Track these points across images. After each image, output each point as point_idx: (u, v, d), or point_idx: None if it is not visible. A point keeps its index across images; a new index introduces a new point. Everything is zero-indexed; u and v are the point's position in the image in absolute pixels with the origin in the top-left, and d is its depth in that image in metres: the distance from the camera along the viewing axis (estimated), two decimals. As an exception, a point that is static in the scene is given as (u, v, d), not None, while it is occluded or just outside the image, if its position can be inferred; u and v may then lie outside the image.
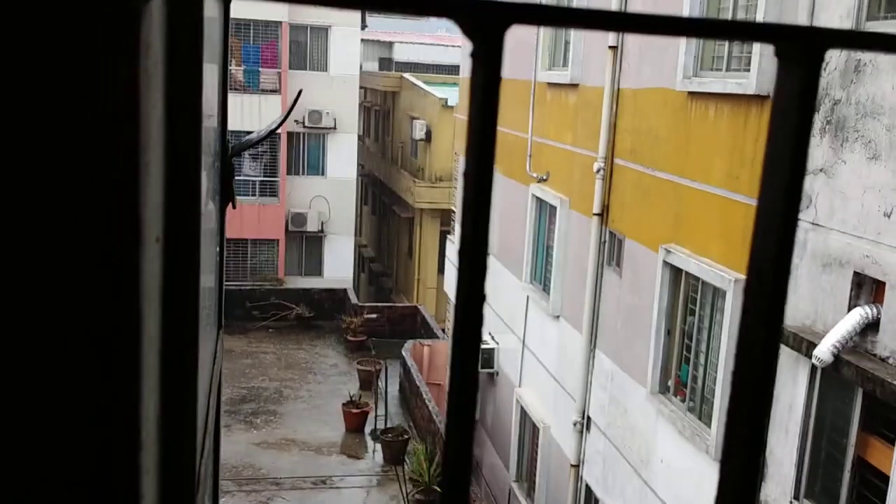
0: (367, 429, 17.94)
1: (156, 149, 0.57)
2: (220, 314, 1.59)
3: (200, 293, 0.92)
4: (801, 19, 6.81)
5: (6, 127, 0.44)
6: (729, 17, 8.14)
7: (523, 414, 13.34)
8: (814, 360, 6.24)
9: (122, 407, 0.48)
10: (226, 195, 1.52)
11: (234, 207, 1.65)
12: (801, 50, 0.52)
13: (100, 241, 0.44)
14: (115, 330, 0.46)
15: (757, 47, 7.42)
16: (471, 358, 0.51)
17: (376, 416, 17.80)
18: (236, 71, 25.67)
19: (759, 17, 7.36)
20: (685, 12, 8.56)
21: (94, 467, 0.47)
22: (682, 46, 8.62)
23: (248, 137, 2.07)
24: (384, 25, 44.15)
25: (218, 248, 1.53)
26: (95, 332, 0.46)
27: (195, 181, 0.71)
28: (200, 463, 1.01)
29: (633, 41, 9.98)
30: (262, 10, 25.05)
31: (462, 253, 0.49)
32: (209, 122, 1.35)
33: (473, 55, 0.51)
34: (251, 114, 24.94)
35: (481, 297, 0.51)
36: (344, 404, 18.12)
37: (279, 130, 25.53)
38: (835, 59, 6.51)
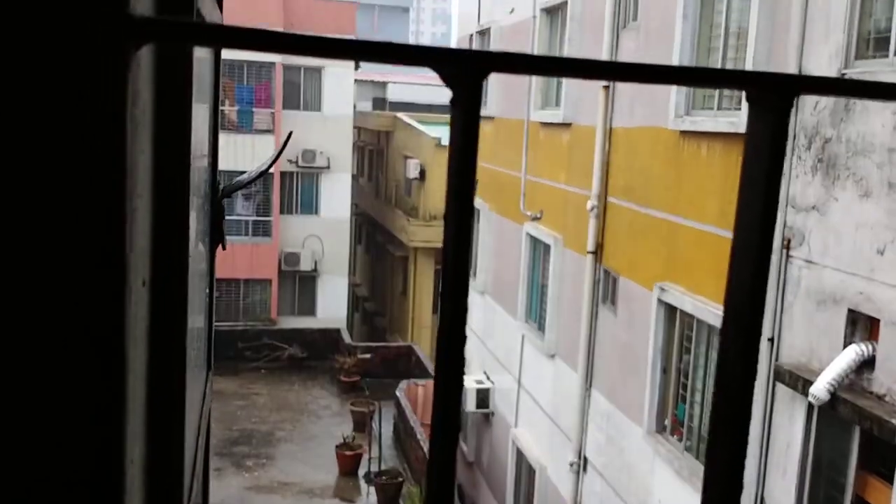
0: (361, 471, 17.73)
1: (143, 193, 0.57)
2: (210, 355, 1.59)
3: (189, 335, 0.93)
4: (791, 58, 6.91)
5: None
6: (719, 55, 8.26)
7: (519, 455, 13.22)
8: (810, 398, 6.22)
9: (104, 452, 0.48)
10: (216, 237, 1.52)
11: (223, 248, 1.65)
12: (771, 96, 0.53)
13: (84, 287, 0.45)
14: (98, 373, 0.46)
15: (746, 87, 7.51)
16: (453, 399, 0.52)
17: (370, 459, 17.61)
18: (230, 111, 25.84)
19: (749, 56, 7.47)
20: (675, 52, 8.69)
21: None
22: (674, 86, 8.72)
23: (238, 179, 2.09)
24: (378, 66, 44.60)
25: (207, 290, 1.53)
26: (79, 373, 0.46)
27: (183, 225, 0.72)
28: (188, 506, 1.00)
29: (624, 81, 10.10)
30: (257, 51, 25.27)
31: (443, 294, 0.50)
32: (199, 163, 1.37)
33: (452, 102, 0.52)
34: (244, 154, 25.06)
35: (462, 339, 0.52)
36: (337, 446, 17.93)
37: (272, 170, 25.63)
38: (824, 97, 6.60)
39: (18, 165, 0.45)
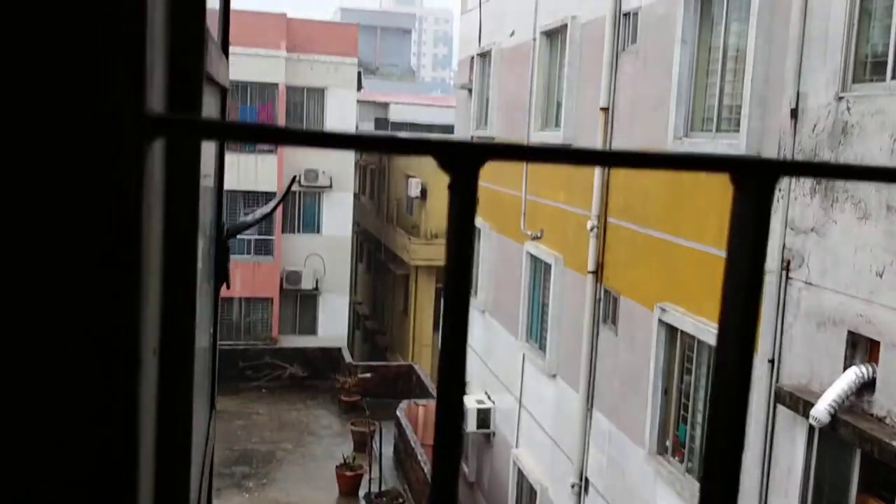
0: (362, 492, 17.65)
1: (154, 269, 0.60)
2: (213, 394, 1.61)
3: (196, 376, 0.95)
4: (788, 81, 6.96)
5: (17, 254, 0.48)
6: (717, 78, 8.31)
7: (520, 476, 13.18)
8: (811, 421, 6.22)
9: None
10: (220, 276, 1.55)
11: (227, 288, 1.68)
12: (754, 179, 0.56)
13: (99, 359, 0.47)
14: (112, 450, 0.48)
15: (746, 108, 7.57)
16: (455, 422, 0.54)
17: (370, 479, 17.54)
18: (233, 132, 25.90)
19: (747, 79, 7.51)
20: (674, 75, 8.74)
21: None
22: (673, 107, 8.78)
23: (242, 220, 2.12)
24: (380, 86, 44.86)
25: (212, 330, 1.56)
26: (91, 451, 0.48)
27: (191, 292, 0.75)
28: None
29: (624, 102, 10.16)
30: (260, 73, 25.45)
31: (439, 382, 0.52)
32: (206, 208, 1.40)
33: (450, 187, 0.55)
34: (247, 174, 25.15)
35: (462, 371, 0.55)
36: (338, 467, 17.86)
37: (275, 190, 25.70)
38: (822, 120, 6.64)
39: (42, 249, 0.47)
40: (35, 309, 0.47)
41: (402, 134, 0.52)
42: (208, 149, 1.43)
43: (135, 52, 0.46)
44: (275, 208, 2.47)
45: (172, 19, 0.67)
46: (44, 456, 0.49)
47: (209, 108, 1.33)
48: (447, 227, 0.57)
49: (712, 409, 0.62)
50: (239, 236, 26.44)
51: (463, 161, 0.52)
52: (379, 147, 0.52)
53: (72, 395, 0.49)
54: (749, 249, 0.58)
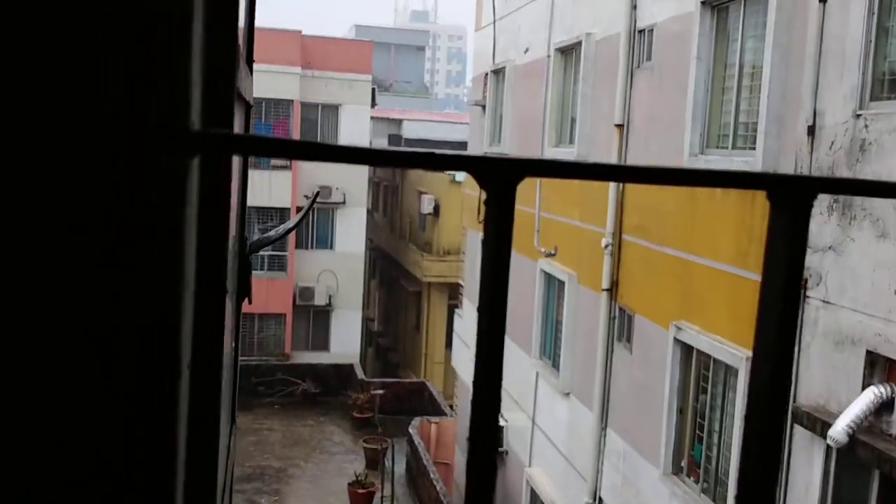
0: (374, 508, 17.58)
1: (190, 284, 0.60)
2: (234, 409, 1.61)
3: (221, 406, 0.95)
4: (805, 99, 6.94)
5: (63, 268, 0.48)
6: (733, 95, 8.30)
7: (533, 495, 13.09)
8: (829, 441, 6.15)
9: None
10: (243, 292, 1.56)
11: (249, 303, 1.68)
12: (791, 196, 0.56)
13: (144, 371, 0.48)
14: (152, 462, 0.49)
15: (762, 125, 7.55)
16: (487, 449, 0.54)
17: (382, 497, 17.47)
18: (248, 148, 26.10)
19: (763, 96, 7.50)
20: (689, 92, 8.74)
21: None
22: (689, 124, 8.77)
23: (266, 235, 2.13)
24: (394, 103, 45.07)
25: (233, 344, 1.56)
26: (134, 462, 0.48)
27: (220, 310, 0.75)
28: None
29: (639, 118, 10.16)
30: (275, 89, 25.63)
31: (474, 405, 0.52)
32: (230, 225, 1.40)
33: (487, 202, 0.55)
34: (261, 190, 25.26)
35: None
36: (350, 484, 17.80)
37: (289, 205, 25.82)
38: (839, 137, 6.62)
39: (88, 264, 0.48)
40: (83, 324, 0.47)
41: (440, 151, 0.53)
42: (233, 165, 1.44)
43: (180, 68, 0.47)
44: (299, 223, 2.49)
45: (208, 35, 0.67)
46: (89, 465, 0.50)
47: (236, 123, 1.34)
48: (483, 243, 0.57)
49: (746, 431, 0.61)
50: (253, 252, 26.54)
51: (500, 177, 0.52)
52: (417, 163, 0.52)
53: (117, 406, 0.50)
54: (785, 267, 0.58)
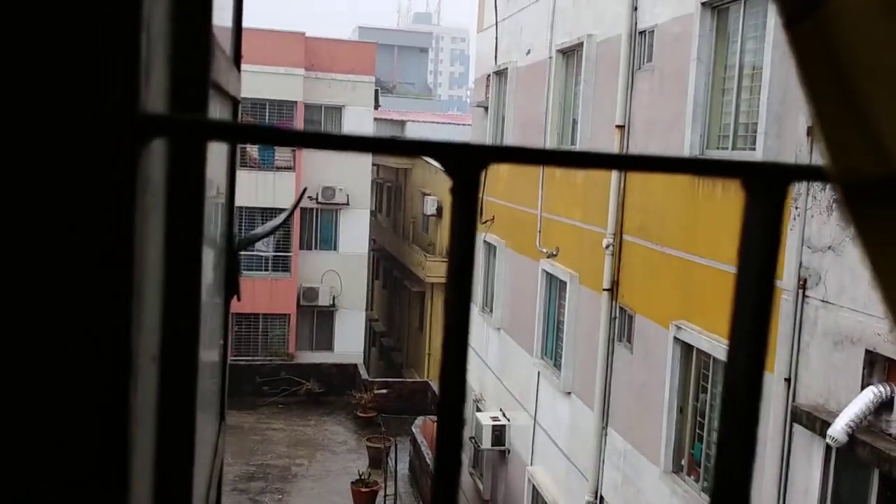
0: (377, 508, 17.58)
1: (153, 274, 0.59)
2: (223, 406, 1.60)
3: (200, 389, 0.94)
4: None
5: (9, 253, 0.47)
6: (733, 96, 8.28)
7: (535, 493, 13.08)
8: (828, 440, 6.13)
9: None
10: (231, 289, 1.55)
11: (238, 300, 1.68)
12: (766, 184, 0.55)
13: (88, 366, 0.47)
14: (103, 456, 0.47)
15: (762, 125, 7.54)
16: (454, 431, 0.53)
17: (385, 496, 17.47)
18: (251, 149, 26.11)
19: (763, 97, 7.49)
20: (690, 93, 8.72)
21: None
22: (689, 124, 8.76)
23: (254, 232, 2.13)
24: (397, 105, 45.10)
25: (222, 342, 1.55)
26: (84, 452, 0.47)
27: (194, 302, 0.74)
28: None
29: (640, 119, 10.14)
30: (278, 91, 25.64)
31: (441, 388, 0.51)
32: (217, 220, 1.39)
33: (453, 190, 0.54)
34: (265, 191, 25.28)
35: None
36: (353, 483, 17.81)
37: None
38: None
39: (29, 250, 0.47)
40: (30, 309, 0.46)
41: (404, 137, 0.52)
42: (219, 160, 1.43)
43: (129, 51, 0.46)
44: (285, 220, 2.48)
45: (177, 25, 0.67)
46: (37, 457, 0.48)
47: (222, 117, 1.33)
48: (449, 233, 0.56)
49: (722, 426, 0.60)
50: (256, 252, 26.58)
51: (465, 164, 0.51)
52: (380, 148, 0.51)
53: (68, 396, 0.49)
54: (760, 257, 0.57)
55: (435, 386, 23.57)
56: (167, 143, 0.64)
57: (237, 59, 1.53)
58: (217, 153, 1.44)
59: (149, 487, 0.64)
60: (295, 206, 2.95)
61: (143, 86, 0.46)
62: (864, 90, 0.46)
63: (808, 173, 0.56)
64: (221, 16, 1.31)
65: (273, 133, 0.52)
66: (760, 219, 0.55)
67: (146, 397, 0.61)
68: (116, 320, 0.47)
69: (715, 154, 8.50)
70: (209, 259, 1.29)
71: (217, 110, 1.13)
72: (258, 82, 24.58)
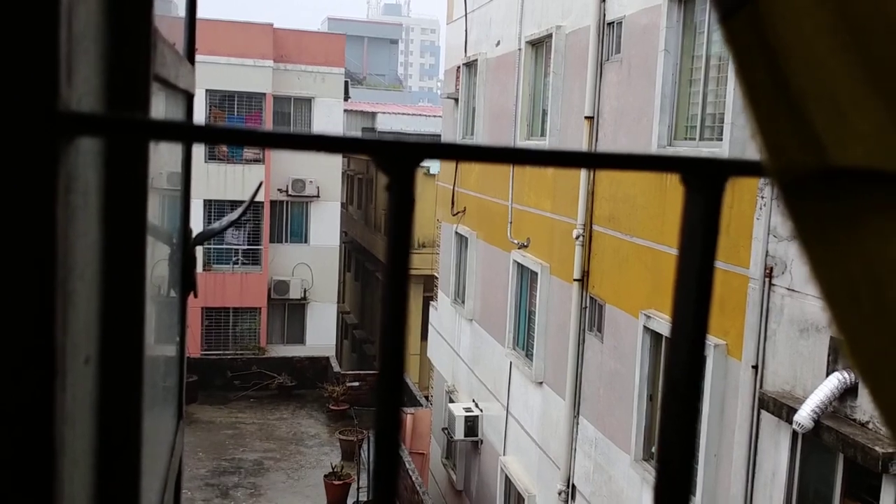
0: (350, 501, 17.58)
1: (86, 273, 0.58)
2: (181, 403, 1.58)
3: (152, 385, 0.93)
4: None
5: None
6: (700, 87, 8.34)
7: (508, 483, 13.15)
8: (795, 426, 6.23)
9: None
10: (187, 285, 1.53)
11: (195, 297, 1.66)
12: (704, 178, 0.55)
13: (10, 375, 0.45)
14: (27, 463, 0.46)
15: (729, 116, 7.60)
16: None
17: (359, 488, 17.47)
18: (220, 141, 25.87)
19: (730, 87, 7.55)
20: (657, 84, 8.78)
21: None
22: (657, 115, 8.81)
23: (210, 227, 2.10)
24: (367, 96, 44.89)
25: (178, 338, 1.53)
26: (4, 461, 0.46)
27: (137, 302, 0.72)
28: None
29: (608, 110, 10.19)
30: (247, 83, 25.42)
31: (379, 380, 0.50)
32: (171, 210, 1.37)
33: (388, 187, 0.53)
34: (234, 183, 25.09)
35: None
36: (326, 476, 17.79)
37: (262, 199, 25.65)
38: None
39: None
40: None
41: (335, 133, 0.51)
42: (173, 154, 1.41)
43: (46, 47, 0.44)
44: (242, 214, 2.46)
45: (111, 19, 0.65)
46: None
47: (172, 112, 1.31)
48: (387, 227, 0.55)
49: (663, 416, 0.60)
50: (226, 246, 26.37)
51: (398, 161, 0.50)
52: (312, 146, 0.50)
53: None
54: (699, 252, 0.57)
55: (407, 378, 23.60)
56: (103, 142, 0.63)
57: (191, 51, 1.51)
58: (171, 147, 1.42)
59: (88, 491, 0.62)
60: (251, 201, 2.90)
61: (63, 83, 0.45)
62: (797, 83, 0.46)
63: (746, 168, 0.56)
64: (171, 7, 1.28)
65: (198, 130, 0.51)
66: (700, 213, 0.55)
67: (81, 399, 0.60)
68: (37, 319, 0.45)
69: (684, 145, 8.57)
70: (163, 254, 1.27)
71: (165, 105, 1.11)
72: (226, 74, 24.35)
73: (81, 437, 0.60)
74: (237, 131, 0.50)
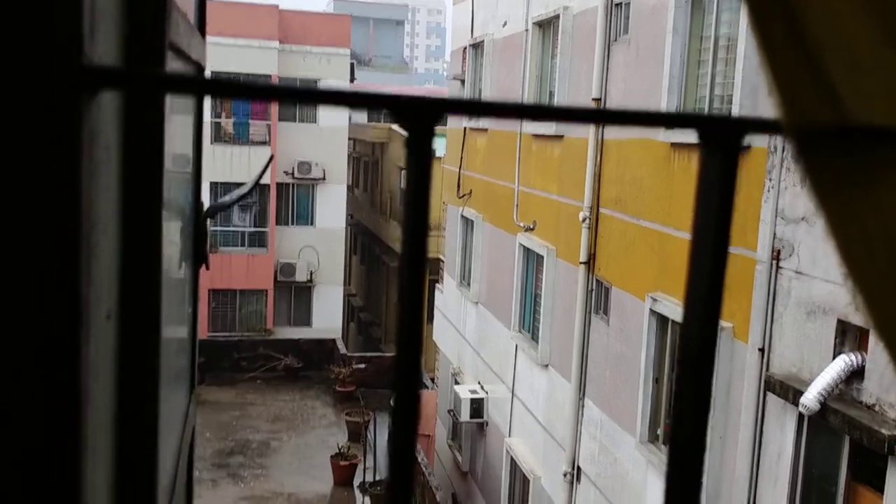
0: (356, 481, 17.69)
1: (108, 228, 0.59)
2: (193, 375, 1.60)
3: (165, 358, 0.94)
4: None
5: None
6: (709, 68, 8.30)
7: (513, 464, 13.21)
8: (801, 409, 6.24)
9: (62, 482, 0.49)
10: (199, 257, 1.54)
11: (206, 269, 1.67)
12: (721, 136, 0.55)
13: (36, 326, 0.46)
14: (54, 415, 0.47)
15: (737, 97, 7.56)
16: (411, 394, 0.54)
17: (365, 469, 17.58)
18: (226, 123, 25.88)
19: (738, 68, 7.50)
20: (665, 65, 8.73)
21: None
22: (665, 96, 8.77)
23: (221, 200, 2.12)
24: (373, 78, 44.76)
25: (191, 310, 1.54)
26: (33, 407, 0.47)
27: (155, 255, 0.73)
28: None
29: (616, 92, 10.14)
30: (252, 64, 25.36)
31: (398, 337, 0.51)
32: (182, 184, 1.38)
33: (407, 144, 0.54)
34: (240, 165, 25.08)
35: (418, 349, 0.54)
36: (332, 456, 17.90)
37: (268, 181, 25.66)
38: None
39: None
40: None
41: (352, 88, 0.51)
42: (184, 129, 1.41)
43: (72, 4, 0.45)
44: (253, 187, 2.46)
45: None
46: None
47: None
48: (406, 185, 0.56)
49: (678, 382, 0.61)
50: (233, 229, 26.40)
51: (418, 116, 0.51)
52: (331, 101, 0.51)
53: (13, 343, 0.48)
54: (716, 212, 0.57)
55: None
56: (122, 99, 0.63)
57: (201, 26, 1.51)
58: (182, 123, 1.43)
59: (109, 440, 0.63)
60: (262, 174, 2.92)
61: (87, 37, 0.46)
62: (813, 34, 0.46)
63: (762, 126, 0.56)
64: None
65: (218, 85, 0.52)
66: (717, 171, 0.56)
67: (103, 354, 0.60)
68: (63, 269, 0.46)
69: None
70: (175, 226, 1.28)
71: (180, 72, 1.12)
72: (231, 56, 24.29)
73: (104, 389, 0.61)
74: (252, 86, 0.50)
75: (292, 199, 27.25)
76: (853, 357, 6.01)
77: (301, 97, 0.50)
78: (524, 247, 12.97)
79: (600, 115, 0.54)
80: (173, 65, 0.99)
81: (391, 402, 0.52)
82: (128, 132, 0.64)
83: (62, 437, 0.47)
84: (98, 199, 0.53)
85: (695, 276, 0.59)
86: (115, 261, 0.63)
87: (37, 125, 0.44)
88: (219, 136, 25.30)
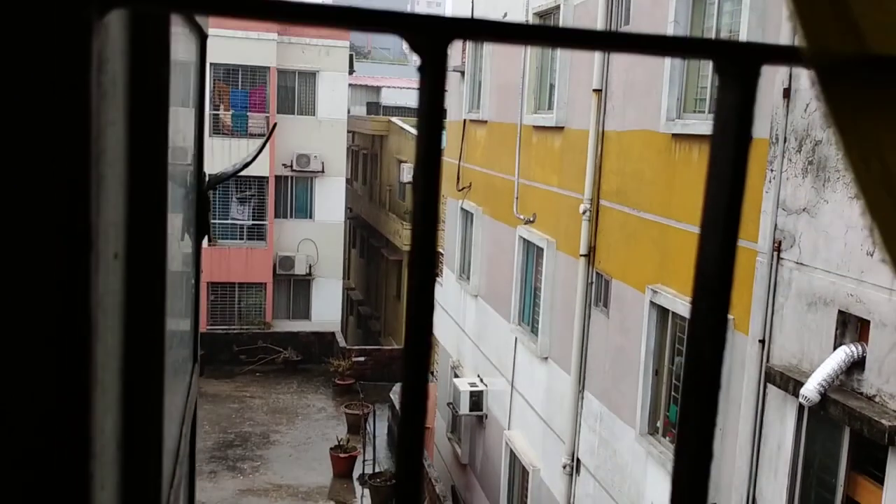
0: (356, 474, 17.71)
1: (115, 164, 0.58)
2: (196, 348, 1.59)
3: (169, 312, 0.93)
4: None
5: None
6: (710, 64, 8.26)
7: (512, 457, 13.22)
8: (801, 400, 6.23)
9: (72, 420, 0.48)
10: (202, 227, 1.53)
11: (209, 242, 1.66)
12: (738, 65, 0.54)
13: (45, 250, 0.45)
14: (64, 342, 0.46)
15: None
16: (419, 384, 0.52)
17: (364, 461, 17.60)
18: (225, 115, 25.82)
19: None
20: (666, 72, 8.70)
21: (40, 478, 0.47)
22: (665, 89, 8.75)
23: (223, 170, 2.11)
24: (372, 70, 44.67)
25: (194, 280, 1.53)
26: (43, 342, 0.46)
27: (161, 198, 0.72)
28: (171, 490, 1.00)
29: (617, 84, 10.12)
30: (251, 56, 25.31)
31: (410, 270, 0.50)
32: (184, 154, 1.37)
33: (420, 69, 0.52)
34: (239, 157, 25.01)
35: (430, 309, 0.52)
36: (332, 449, 17.92)
37: (267, 174, 25.62)
38: (815, 100, 6.63)
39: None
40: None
41: (361, 7, 0.50)
42: (187, 115, 1.40)
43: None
44: (255, 157, 2.46)
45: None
46: None
47: (188, 51, 1.30)
48: (417, 114, 0.54)
49: (688, 350, 0.59)
50: (232, 221, 26.37)
51: (432, 37, 0.49)
52: (339, 22, 0.50)
53: (23, 272, 0.47)
54: (733, 141, 0.56)
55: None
56: (127, 23, 0.62)
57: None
58: (184, 114, 1.41)
59: (117, 382, 0.62)
60: (264, 144, 2.91)
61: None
62: None
63: (782, 54, 0.55)
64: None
65: (221, 2, 0.50)
66: (734, 100, 0.54)
67: (112, 292, 0.59)
68: (73, 191, 0.45)
69: (692, 118, 8.52)
70: (180, 195, 1.26)
71: (185, 43, 1.10)
72: (230, 48, 24.24)
73: (112, 329, 0.60)
74: (258, 3, 0.49)
75: (291, 192, 27.22)
76: (854, 348, 6.01)
77: (305, 16, 0.48)
78: (524, 239, 12.96)
79: (611, 39, 0.53)
80: (177, 34, 0.97)
81: (393, 395, 0.50)
82: (134, 56, 0.63)
83: (71, 370, 0.46)
84: (104, 129, 0.52)
85: (710, 210, 0.58)
86: (121, 200, 0.62)
87: (47, 44, 0.43)
88: (217, 129, 25.26)
